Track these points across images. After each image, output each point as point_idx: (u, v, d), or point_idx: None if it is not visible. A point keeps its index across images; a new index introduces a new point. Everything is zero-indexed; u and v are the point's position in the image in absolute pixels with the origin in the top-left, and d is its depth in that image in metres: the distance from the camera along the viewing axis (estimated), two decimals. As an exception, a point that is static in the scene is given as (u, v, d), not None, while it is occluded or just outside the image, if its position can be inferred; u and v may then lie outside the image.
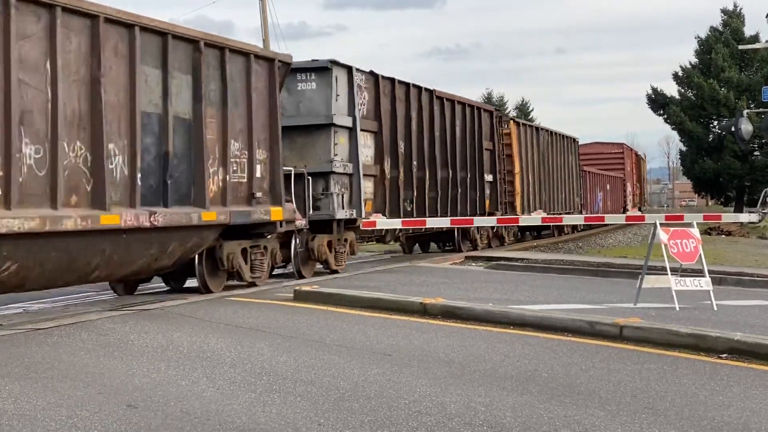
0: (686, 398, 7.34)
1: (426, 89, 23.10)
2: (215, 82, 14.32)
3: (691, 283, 12.40)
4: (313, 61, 18.74)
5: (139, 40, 12.72)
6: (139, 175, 12.70)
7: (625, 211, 48.16)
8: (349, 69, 19.26)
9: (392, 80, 21.31)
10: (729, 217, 25.16)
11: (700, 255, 12.57)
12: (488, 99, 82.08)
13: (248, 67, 15.06)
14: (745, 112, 42.37)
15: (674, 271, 12.84)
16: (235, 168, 14.76)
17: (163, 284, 16.27)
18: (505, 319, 10.99)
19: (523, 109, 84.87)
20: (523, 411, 6.85)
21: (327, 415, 6.69)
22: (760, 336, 9.40)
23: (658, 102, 70.74)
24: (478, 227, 26.02)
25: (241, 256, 15.20)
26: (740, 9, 69.87)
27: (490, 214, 26.57)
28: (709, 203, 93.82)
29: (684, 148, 71.95)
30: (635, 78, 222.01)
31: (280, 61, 15.95)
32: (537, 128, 33.50)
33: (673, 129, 71.22)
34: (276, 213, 15.55)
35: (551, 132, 35.21)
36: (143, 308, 12.29)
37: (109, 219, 12.05)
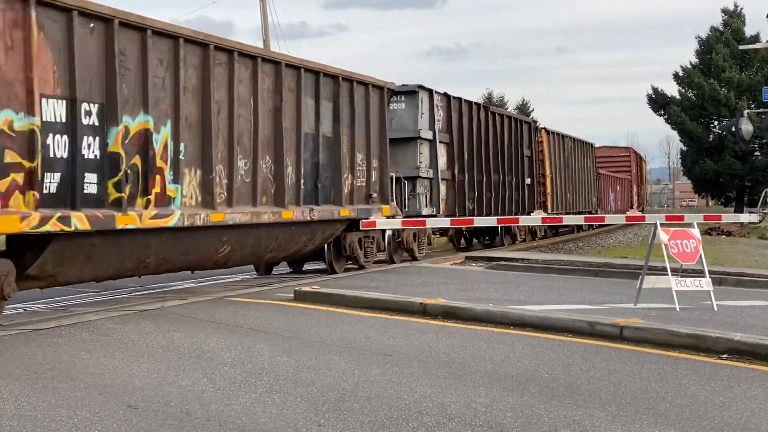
0: (686, 399, 7.35)
1: (483, 106, 27.46)
2: (346, 107, 18.01)
3: (691, 284, 12.37)
4: (403, 86, 22.45)
5: (303, 78, 16.42)
6: (302, 181, 16.42)
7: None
8: (430, 91, 23.20)
9: (459, 99, 25.12)
10: (729, 217, 25.01)
11: (701, 255, 12.55)
12: (488, 99, 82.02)
13: (367, 94, 18.86)
14: (745, 112, 42.50)
15: (674, 271, 12.82)
16: (358, 174, 18.55)
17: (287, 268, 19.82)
18: (505, 319, 10.99)
19: (524, 110, 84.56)
20: (524, 411, 6.85)
21: (327, 415, 6.70)
22: (761, 336, 9.40)
23: (658, 102, 70.70)
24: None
25: (358, 244, 18.86)
26: (741, 9, 69.91)
27: (529, 212, 30.02)
28: (710, 203, 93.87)
29: (684, 149, 71.92)
30: (635, 78, 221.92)
31: (387, 88, 19.75)
32: (563, 136, 36.90)
33: (673, 129, 71.22)
34: (385, 210, 19.32)
35: (574, 139, 38.83)
36: (143, 308, 12.29)
37: (287, 214, 15.86)
